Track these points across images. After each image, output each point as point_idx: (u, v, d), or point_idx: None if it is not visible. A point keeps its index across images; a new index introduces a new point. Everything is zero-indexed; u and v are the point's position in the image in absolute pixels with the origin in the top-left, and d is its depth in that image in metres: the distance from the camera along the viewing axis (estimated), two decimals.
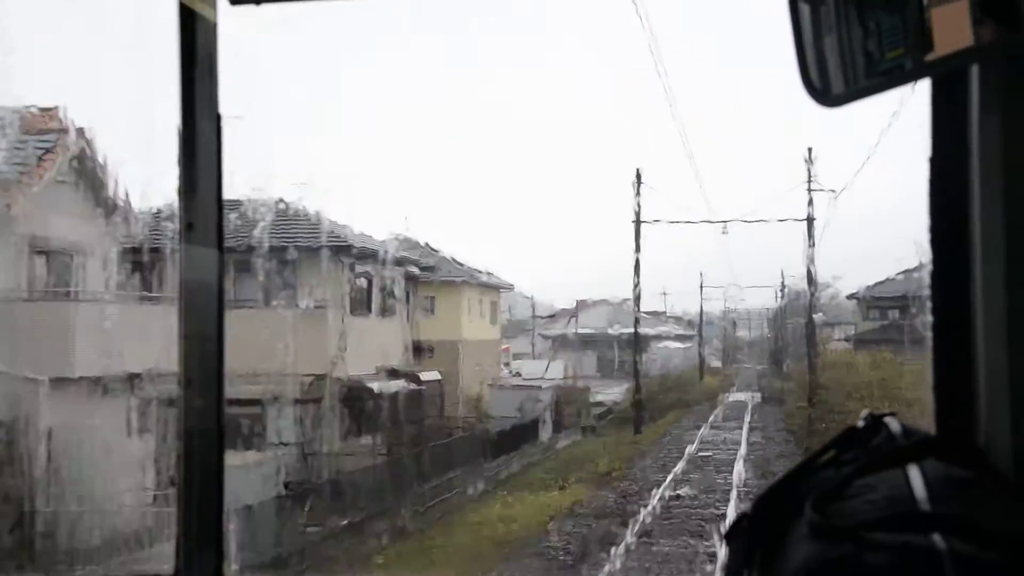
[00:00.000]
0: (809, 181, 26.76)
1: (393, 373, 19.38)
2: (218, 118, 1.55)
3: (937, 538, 0.71)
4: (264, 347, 14.11)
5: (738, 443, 24.63)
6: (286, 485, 14.51)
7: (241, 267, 16.08)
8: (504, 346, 41.32)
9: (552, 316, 52.27)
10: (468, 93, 57.04)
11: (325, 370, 17.09)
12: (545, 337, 48.14)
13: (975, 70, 0.91)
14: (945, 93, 0.94)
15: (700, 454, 23.09)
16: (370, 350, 18.59)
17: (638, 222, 29.23)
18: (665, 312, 56.99)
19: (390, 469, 17.15)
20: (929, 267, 0.95)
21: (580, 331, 48.26)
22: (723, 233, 29.62)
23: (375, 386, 18.10)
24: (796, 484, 0.85)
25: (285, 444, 15.54)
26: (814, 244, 27.06)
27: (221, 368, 1.55)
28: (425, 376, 21.27)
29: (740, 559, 0.85)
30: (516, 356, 43.09)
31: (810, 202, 26.72)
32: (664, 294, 56.42)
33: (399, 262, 21.33)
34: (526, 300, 50.12)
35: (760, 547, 0.83)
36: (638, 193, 29.11)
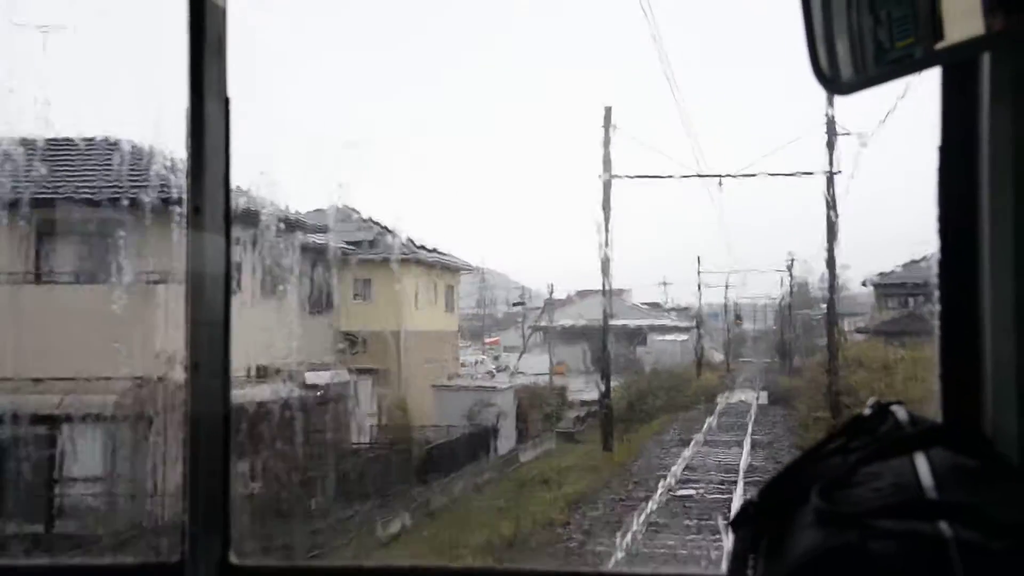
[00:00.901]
0: (831, 124, 23.60)
1: (267, 374, 16.12)
2: (226, 101, 1.74)
3: (944, 526, 0.81)
4: (68, 338, 11.88)
5: (736, 471, 20.70)
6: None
7: (50, 228, 13.06)
8: (493, 339, 41.24)
9: (539, 306, 51.37)
10: (477, 72, 59.50)
11: (157, 371, 13.86)
12: (535, 329, 47.17)
13: (985, 58, 1.04)
14: (955, 82, 1.06)
15: (680, 492, 18.74)
16: (243, 343, 15.31)
17: (609, 177, 26.04)
18: (666, 303, 55.86)
19: (255, 510, 14.01)
20: (937, 256, 1.08)
21: (575, 323, 47.30)
22: (719, 186, 26.72)
23: (239, 393, 14.89)
24: (803, 471, 0.96)
25: (83, 480, 12.28)
26: (835, 206, 23.93)
27: (228, 353, 1.75)
28: (315, 378, 17.94)
29: (746, 546, 0.95)
30: (507, 349, 42.95)
31: (830, 143, 23.59)
32: (664, 284, 55.04)
33: (296, 228, 17.94)
34: (523, 290, 49.16)
35: (766, 534, 0.94)
36: (607, 140, 25.83)
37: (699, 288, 47.60)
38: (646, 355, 44.97)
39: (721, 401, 36.54)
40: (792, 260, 42.85)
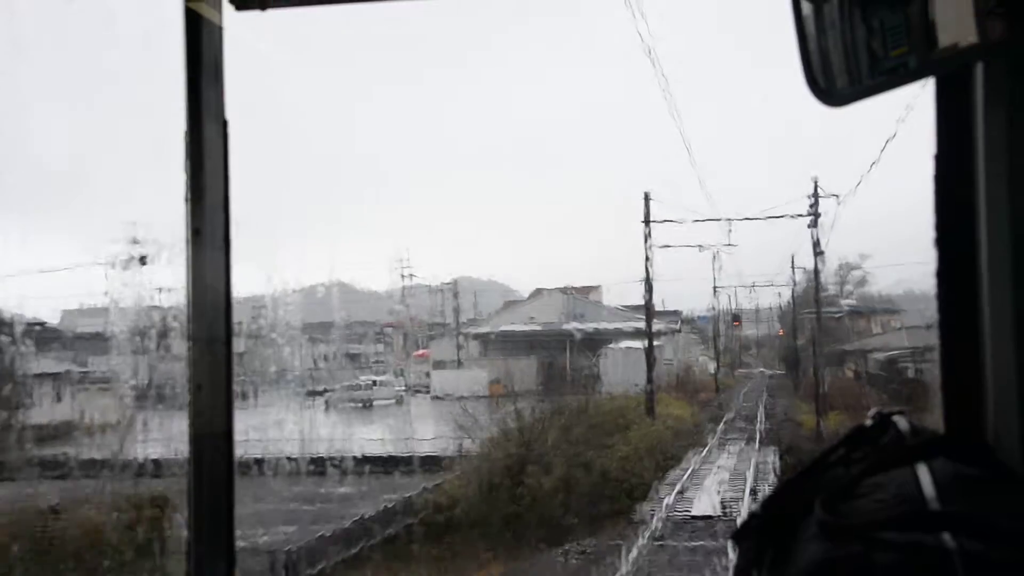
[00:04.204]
0: None
1: None
2: (224, 123, 2.07)
3: (947, 537, 0.97)
4: None
5: None
6: None
7: None
8: (421, 351, 41.13)
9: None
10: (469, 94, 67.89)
11: None
12: (470, 337, 46.98)
13: (980, 67, 1.23)
14: (950, 90, 1.27)
15: None
16: None
17: None
18: (652, 305, 55.44)
19: None
20: (935, 265, 1.27)
21: (522, 328, 46.65)
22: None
23: None
24: (805, 483, 1.15)
25: None
26: None
27: (230, 373, 2.10)
28: None
29: (750, 559, 1.14)
30: (438, 365, 42.59)
31: None
32: (647, 280, 54.47)
33: None
34: (497, 289, 49.61)
35: (770, 546, 1.11)
36: None
37: (646, 254, 36.29)
38: (605, 368, 39.93)
39: (658, 512, 18.71)
40: (816, 193, 33.65)
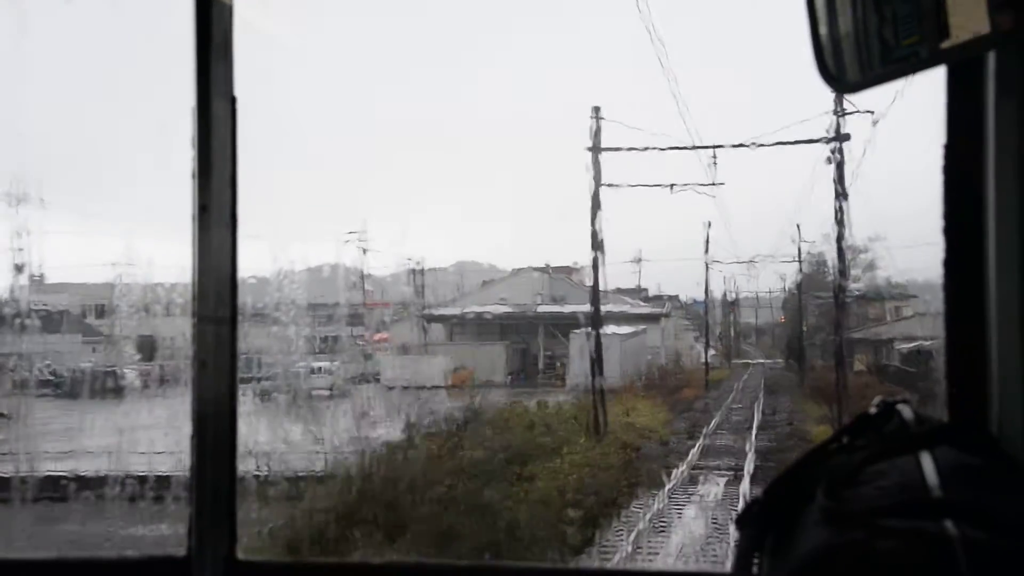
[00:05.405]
0: None
1: None
2: (233, 100, 2.24)
3: (949, 525, 1.05)
4: None
5: None
6: None
7: None
8: (380, 335, 40.88)
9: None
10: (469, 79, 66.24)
11: None
12: (431, 319, 46.87)
13: (992, 57, 1.34)
14: (961, 80, 1.39)
15: None
16: None
17: None
18: (645, 289, 55.03)
19: None
20: (943, 255, 1.38)
21: (492, 310, 46.29)
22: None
23: None
24: (808, 470, 1.24)
25: None
26: None
27: (234, 350, 2.24)
28: None
29: (751, 544, 1.24)
30: (405, 349, 42.43)
31: None
32: (638, 260, 53.96)
33: None
34: (478, 269, 49.79)
35: (772, 532, 1.21)
36: None
37: (594, 195, 28.45)
38: (577, 356, 35.06)
39: None
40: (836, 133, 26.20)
